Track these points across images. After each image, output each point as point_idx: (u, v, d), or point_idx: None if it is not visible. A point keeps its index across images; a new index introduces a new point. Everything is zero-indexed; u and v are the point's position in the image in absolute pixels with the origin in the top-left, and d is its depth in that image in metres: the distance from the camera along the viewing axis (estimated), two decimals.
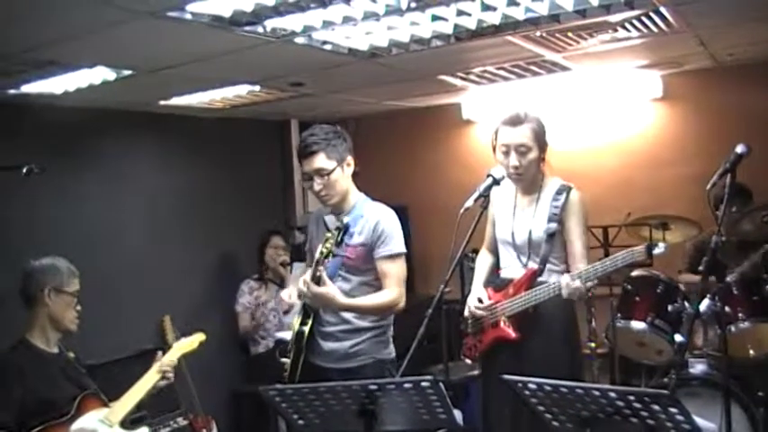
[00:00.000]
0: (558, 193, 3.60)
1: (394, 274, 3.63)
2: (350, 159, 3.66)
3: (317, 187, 3.60)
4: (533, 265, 3.60)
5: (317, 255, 3.41)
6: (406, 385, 2.60)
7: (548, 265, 3.58)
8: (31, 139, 4.76)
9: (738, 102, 5.72)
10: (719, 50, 4.99)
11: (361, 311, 3.61)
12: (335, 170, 3.59)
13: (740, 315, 4.54)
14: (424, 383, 2.57)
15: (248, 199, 6.55)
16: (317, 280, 3.43)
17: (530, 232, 3.61)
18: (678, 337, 4.73)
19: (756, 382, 4.53)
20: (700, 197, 5.04)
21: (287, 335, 5.32)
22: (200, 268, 6.12)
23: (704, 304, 4.55)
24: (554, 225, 3.55)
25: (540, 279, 3.56)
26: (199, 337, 4.34)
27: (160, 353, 4.10)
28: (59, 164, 4.80)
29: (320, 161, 3.56)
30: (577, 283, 3.31)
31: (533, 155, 3.56)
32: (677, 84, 5.96)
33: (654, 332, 4.72)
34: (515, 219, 3.71)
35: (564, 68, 5.08)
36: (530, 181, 3.65)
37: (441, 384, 2.58)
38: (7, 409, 3.47)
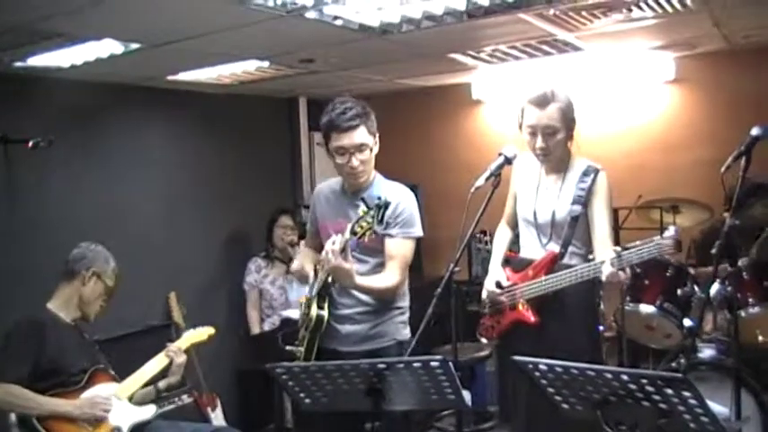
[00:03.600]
0: (585, 174, 3.50)
1: (401, 256, 3.52)
2: (377, 136, 3.56)
3: (355, 163, 3.46)
4: (554, 247, 3.52)
5: (353, 229, 3.20)
6: (416, 365, 2.59)
7: (570, 248, 3.51)
8: (38, 112, 4.73)
9: (751, 85, 5.64)
10: (734, 32, 4.93)
11: (368, 292, 3.50)
12: (374, 146, 3.52)
13: (750, 300, 4.48)
14: (433, 363, 2.55)
15: (256, 176, 6.50)
16: (345, 255, 3.29)
17: (553, 213, 3.53)
18: (687, 322, 4.70)
19: (765, 367, 4.48)
20: (711, 181, 5.02)
21: (293, 313, 5.36)
22: (208, 245, 6.09)
23: (714, 288, 4.50)
24: (578, 207, 3.46)
25: (562, 262, 3.48)
26: (208, 331, 4.41)
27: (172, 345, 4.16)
28: (67, 138, 4.78)
29: (362, 135, 3.44)
30: (621, 275, 3.20)
31: (561, 135, 3.45)
32: (690, 66, 5.89)
33: (663, 316, 4.68)
34: (538, 197, 3.62)
35: (576, 48, 5.02)
36: (557, 160, 3.56)
37: (450, 364, 2.56)
38: (24, 364, 3.56)
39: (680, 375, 2.25)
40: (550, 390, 2.61)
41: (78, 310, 3.90)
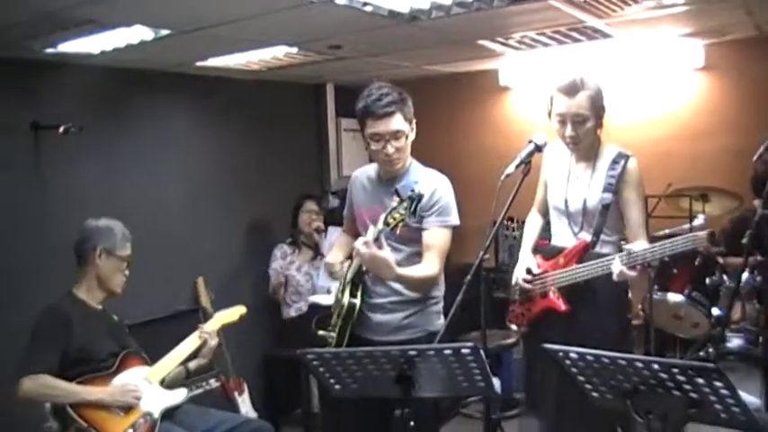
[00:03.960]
0: (615, 161, 3.49)
1: (440, 245, 3.48)
2: (414, 123, 3.53)
3: (390, 150, 3.42)
4: (586, 236, 3.52)
5: (386, 220, 3.18)
6: (446, 352, 2.59)
7: (601, 236, 3.51)
8: (68, 98, 4.78)
9: None
10: (765, 20, 4.87)
11: (407, 283, 3.45)
12: (410, 133, 3.49)
13: None
14: (464, 350, 2.55)
15: (283, 162, 6.52)
16: (379, 243, 3.26)
17: (584, 201, 3.52)
18: (715, 311, 4.68)
19: None
20: (740, 169, 5.04)
21: (320, 299, 5.39)
22: (235, 231, 6.13)
23: (743, 278, 4.48)
24: (609, 195, 3.46)
25: (594, 251, 3.48)
26: (239, 310, 4.40)
27: (205, 326, 4.19)
28: (96, 124, 4.83)
29: (398, 122, 3.41)
30: (630, 273, 3.24)
31: (590, 124, 3.44)
32: (719, 53, 5.82)
33: (691, 305, 4.67)
34: (569, 185, 3.62)
35: (605, 35, 4.99)
36: (586, 148, 3.55)
37: (481, 352, 2.56)
38: (54, 353, 3.58)
39: (712, 365, 2.24)
40: (581, 378, 2.61)
41: (102, 290, 3.89)
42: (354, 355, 2.72)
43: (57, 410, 3.55)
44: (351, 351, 2.75)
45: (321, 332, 3.68)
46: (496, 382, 2.84)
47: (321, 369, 2.79)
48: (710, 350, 4.38)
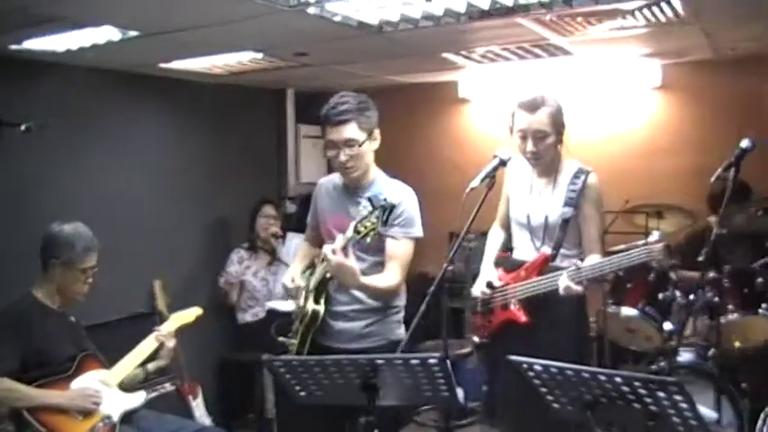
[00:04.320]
0: (576, 176, 3.58)
1: (402, 256, 3.50)
2: (377, 132, 3.55)
3: (343, 158, 3.46)
4: (547, 250, 3.59)
5: (356, 228, 3.17)
6: (413, 361, 2.63)
7: (561, 250, 3.58)
8: (31, 96, 4.73)
9: (734, 94, 5.76)
10: (722, 43, 5.01)
11: (369, 291, 3.49)
12: (365, 142, 3.48)
13: (729, 307, 4.58)
14: (431, 360, 2.59)
15: (242, 166, 6.52)
16: (346, 252, 3.26)
17: (546, 217, 3.60)
18: (667, 325, 4.79)
19: (741, 373, 4.58)
20: (695, 187, 5.16)
21: (279, 304, 5.37)
22: (193, 234, 6.11)
23: (695, 294, 4.59)
24: (569, 210, 3.54)
25: (554, 264, 3.55)
26: (196, 311, 4.40)
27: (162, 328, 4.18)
28: (59, 121, 4.79)
29: (351, 131, 3.44)
30: (574, 286, 3.32)
31: (550, 140, 3.54)
32: (676, 73, 5.98)
33: (644, 319, 4.78)
34: (531, 200, 3.70)
35: (566, 52, 5.08)
36: (547, 164, 3.63)
37: (448, 363, 2.61)
38: (14, 356, 3.54)
39: (673, 379, 2.31)
40: (543, 389, 2.66)
41: (61, 296, 3.84)
42: (322, 362, 2.74)
43: (13, 414, 3.50)
44: (318, 359, 2.77)
45: (282, 338, 3.69)
46: (460, 391, 2.89)
47: (287, 376, 2.81)
48: (662, 363, 4.49)
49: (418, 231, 3.56)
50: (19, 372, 3.52)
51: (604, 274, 3.43)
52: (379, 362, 2.66)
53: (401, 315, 3.68)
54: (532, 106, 3.52)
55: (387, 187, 3.52)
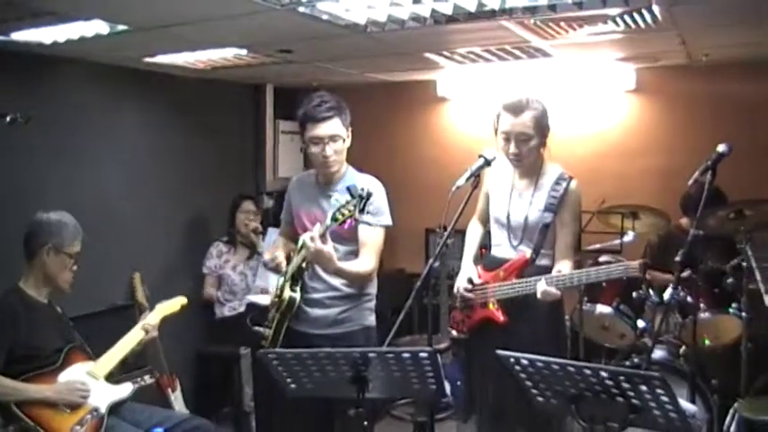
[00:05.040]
0: (557, 183, 3.65)
1: (374, 243, 3.75)
2: (350, 131, 3.81)
3: (328, 152, 3.70)
4: (525, 249, 3.67)
5: (334, 215, 3.38)
6: (405, 355, 2.71)
7: (541, 251, 3.66)
8: (14, 87, 4.74)
9: (706, 99, 5.91)
10: (697, 50, 5.12)
11: (344, 276, 3.70)
12: (347, 139, 3.76)
13: (701, 306, 4.71)
14: (422, 354, 2.67)
15: (221, 161, 6.57)
16: (324, 239, 3.45)
17: (526, 217, 3.68)
18: (640, 323, 4.93)
19: (711, 370, 4.71)
20: (667, 189, 5.28)
21: (258, 298, 5.43)
22: (172, 227, 6.13)
23: (668, 293, 4.70)
24: (549, 215, 3.62)
25: (534, 265, 3.64)
26: (180, 300, 4.45)
27: (147, 312, 4.27)
28: (43, 113, 4.79)
29: (336, 127, 3.71)
30: (553, 290, 3.41)
31: (534, 142, 3.61)
32: (650, 77, 6.11)
33: (618, 317, 4.92)
34: (512, 200, 3.76)
35: (545, 54, 5.16)
36: (529, 166, 3.71)
37: (438, 356, 2.69)
38: (0, 350, 3.55)
39: (657, 374, 2.41)
40: (528, 383, 2.75)
41: (49, 286, 3.85)
42: (315, 355, 2.81)
43: (1, 408, 3.51)
44: (311, 351, 2.84)
45: (257, 328, 3.88)
46: (447, 386, 2.97)
47: (280, 368, 2.88)
48: (636, 360, 4.61)
49: (387, 220, 3.81)
50: (5, 366, 3.53)
51: (581, 284, 3.55)
52: (372, 355, 2.74)
53: (373, 303, 3.91)
54: (517, 109, 3.58)
55: (358, 180, 3.76)
